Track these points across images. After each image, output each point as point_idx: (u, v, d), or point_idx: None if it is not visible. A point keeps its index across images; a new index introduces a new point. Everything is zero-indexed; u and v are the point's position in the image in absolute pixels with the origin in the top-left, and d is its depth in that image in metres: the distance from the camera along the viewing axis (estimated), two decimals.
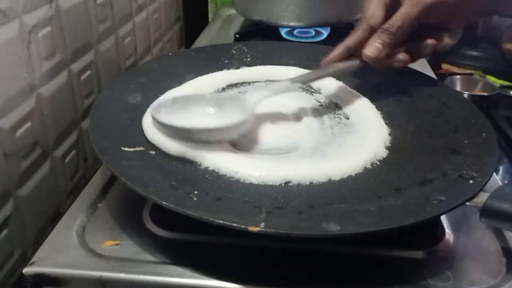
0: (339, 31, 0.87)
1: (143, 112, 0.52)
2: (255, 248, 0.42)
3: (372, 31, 0.53)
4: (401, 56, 0.53)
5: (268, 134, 0.51)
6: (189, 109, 0.50)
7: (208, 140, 0.46)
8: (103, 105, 0.52)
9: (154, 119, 0.47)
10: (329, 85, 0.61)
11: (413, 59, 0.55)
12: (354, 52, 0.54)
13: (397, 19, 0.51)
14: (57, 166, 0.60)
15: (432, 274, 0.40)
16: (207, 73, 0.62)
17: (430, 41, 0.54)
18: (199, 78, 0.61)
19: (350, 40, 0.54)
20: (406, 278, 0.40)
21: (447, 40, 1.19)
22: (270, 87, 0.52)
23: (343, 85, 0.61)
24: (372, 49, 0.51)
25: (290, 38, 0.85)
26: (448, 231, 0.45)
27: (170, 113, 0.48)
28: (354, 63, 0.54)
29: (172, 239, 0.44)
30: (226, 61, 0.65)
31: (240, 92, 0.59)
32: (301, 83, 0.53)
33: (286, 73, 0.63)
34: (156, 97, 0.55)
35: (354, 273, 0.41)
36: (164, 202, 0.38)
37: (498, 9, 0.65)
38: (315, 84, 0.61)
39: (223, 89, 0.60)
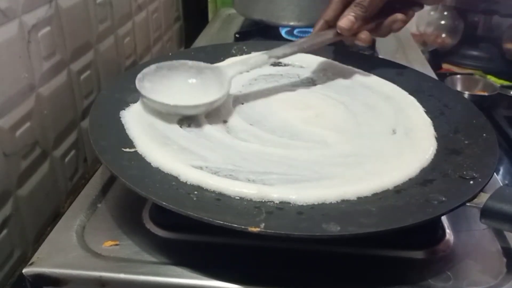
0: None
1: None
2: (255, 248, 0.42)
3: (346, 4, 0.57)
4: (363, 35, 0.57)
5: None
6: (172, 77, 0.52)
7: (186, 114, 0.50)
8: (103, 105, 0.52)
9: (138, 90, 0.50)
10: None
11: (383, 34, 0.60)
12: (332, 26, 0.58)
13: None
14: (56, 166, 0.60)
15: (432, 274, 0.40)
16: None
17: (400, 16, 0.57)
18: None
19: (327, 14, 0.58)
20: (406, 278, 0.40)
21: (448, 41, 1.19)
22: (247, 62, 0.54)
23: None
24: (346, 21, 0.55)
25: (290, 37, 0.85)
26: (448, 231, 0.45)
27: (153, 81, 0.51)
28: (327, 36, 0.58)
29: (171, 239, 0.44)
30: None
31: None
32: (276, 58, 0.55)
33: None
34: None
35: (354, 273, 0.41)
36: (164, 203, 0.38)
37: None
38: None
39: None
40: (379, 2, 0.56)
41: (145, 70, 0.52)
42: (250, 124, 0.51)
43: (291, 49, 0.56)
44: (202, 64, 0.54)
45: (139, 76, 0.51)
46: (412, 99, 0.56)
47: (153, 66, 0.53)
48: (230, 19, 1.06)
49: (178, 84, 0.52)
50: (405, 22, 0.58)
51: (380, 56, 0.79)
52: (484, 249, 0.43)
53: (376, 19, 0.58)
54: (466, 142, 0.48)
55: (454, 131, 0.50)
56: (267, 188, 0.41)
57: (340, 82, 0.61)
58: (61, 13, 0.59)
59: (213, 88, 0.52)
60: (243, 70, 0.54)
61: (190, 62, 0.54)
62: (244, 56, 0.57)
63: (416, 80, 0.61)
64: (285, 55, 0.56)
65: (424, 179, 0.43)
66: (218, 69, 0.54)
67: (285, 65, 0.65)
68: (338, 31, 0.56)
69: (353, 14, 0.55)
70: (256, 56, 0.55)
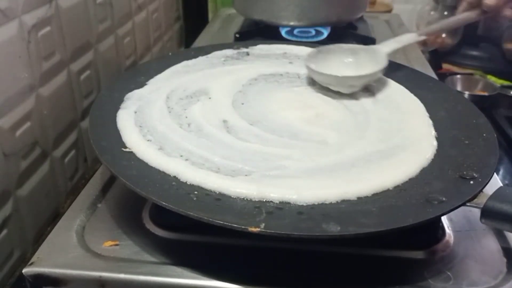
0: (340, 31, 0.87)
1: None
2: (255, 248, 0.42)
3: None
4: (508, 12, 0.58)
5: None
6: (330, 58, 0.61)
7: (350, 85, 0.57)
8: (103, 105, 0.52)
9: (310, 68, 0.59)
10: None
11: None
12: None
13: None
14: (56, 166, 0.60)
15: (432, 275, 0.40)
16: None
17: None
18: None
19: None
20: (407, 278, 0.40)
21: (448, 41, 1.20)
22: (399, 40, 0.62)
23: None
24: None
25: (290, 37, 0.85)
26: (448, 231, 0.45)
27: (316, 62, 0.60)
28: (471, 15, 0.61)
29: (171, 239, 0.44)
30: None
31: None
32: (426, 35, 0.63)
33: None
34: None
35: (354, 273, 0.41)
36: (164, 203, 0.38)
37: None
38: None
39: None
40: None
41: (310, 53, 0.62)
42: (250, 124, 0.51)
43: (438, 26, 0.65)
44: (356, 45, 0.64)
45: (306, 58, 0.61)
46: (412, 99, 0.56)
47: (315, 50, 0.62)
48: (230, 19, 1.06)
49: (336, 64, 0.60)
50: None
51: None
52: (484, 249, 0.43)
53: None
54: (466, 142, 0.48)
55: (454, 131, 0.50)
56: (267, 188, 0.41)
57: None
58: (61, 13, 0.59)
59: (367, 65, 0.59)
60: (396, 46, 0.61)
61: (345, 45, 0.63)
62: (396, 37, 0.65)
63: (416, 80, 0.61)
64: (434, 32, 0.65)
65: (424, 179, 0.43)
66: (372, 48, 0.62)
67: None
68: (485, 9, 0.58)
69: None
70: (407, 35, 0.63)
